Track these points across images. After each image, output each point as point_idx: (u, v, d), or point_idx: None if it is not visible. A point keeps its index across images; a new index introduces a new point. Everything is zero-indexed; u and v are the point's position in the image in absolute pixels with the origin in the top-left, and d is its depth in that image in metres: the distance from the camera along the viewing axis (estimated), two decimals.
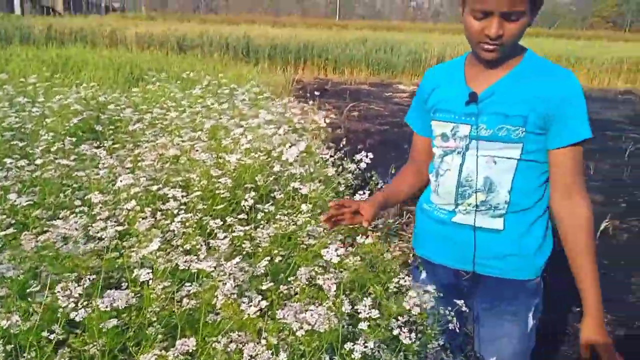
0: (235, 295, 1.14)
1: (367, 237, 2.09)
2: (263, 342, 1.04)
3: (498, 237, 1.50)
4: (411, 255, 1.82)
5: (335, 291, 1.13)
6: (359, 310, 1.08)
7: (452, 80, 1.54)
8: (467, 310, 1.47)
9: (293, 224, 1.91)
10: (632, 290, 3.65)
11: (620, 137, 8.91)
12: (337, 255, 1.18)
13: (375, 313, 1.07)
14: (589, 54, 17.41)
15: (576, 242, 1.43)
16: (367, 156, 1.97)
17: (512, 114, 1.41)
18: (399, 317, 1.31)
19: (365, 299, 1.11)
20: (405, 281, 1.36)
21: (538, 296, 1.58)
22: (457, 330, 1.52)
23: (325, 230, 2.18)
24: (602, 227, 4.63)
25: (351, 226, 1.68)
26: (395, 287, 1.56)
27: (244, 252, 1.65)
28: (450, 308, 1.43)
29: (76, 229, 1.63)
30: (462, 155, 1.49)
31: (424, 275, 1.68)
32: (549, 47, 18.16)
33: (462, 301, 1.42)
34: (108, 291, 1.13)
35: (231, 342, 1.06)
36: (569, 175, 1.44)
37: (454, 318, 1.43)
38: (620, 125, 10.17)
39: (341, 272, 1.49)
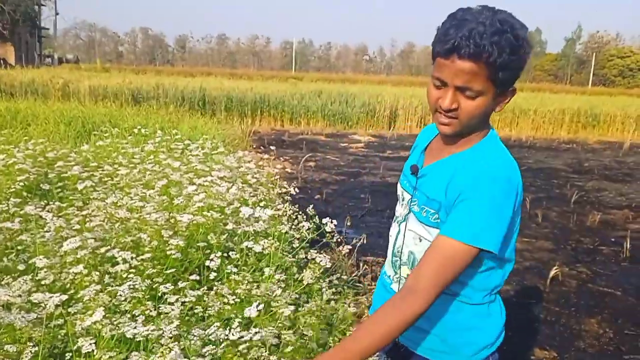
0: None
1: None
2: None
3: None
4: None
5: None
6: None
7: (421, 144, 1.52)
8: None
9: (249, 283, 1.90)
10: (583, 337, 3.73)
11: (565, 184, 9.29)
12: (257, 310, 1.17)
13: None
14: (533, 105, 18.28)
15: (381, 312, 1.26)
16: (332, 221, 1.96)
17: (432, 197, 1.36)
18: None
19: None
20: None
21: None
22: None
23: (279, 288, 2.17)
24: (551, 274, 4.76)
25: None
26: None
27: (196, 316, 1.62)
28: None
29: (19, 296, 1.58)
30: (399, 225, 1.49)
31: None
32: None
33: None
34: None
35: None
36: (426, 261, 1.28)
37: None
38: (565, 173, 10.62)
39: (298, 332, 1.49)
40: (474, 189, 1.26)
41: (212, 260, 1.87)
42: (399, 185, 1.55)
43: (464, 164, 1.34)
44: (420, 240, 1.40)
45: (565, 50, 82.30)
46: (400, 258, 1.45)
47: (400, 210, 1.50)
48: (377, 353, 1.34)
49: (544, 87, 33.17)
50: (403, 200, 1.49)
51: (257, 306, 1.21)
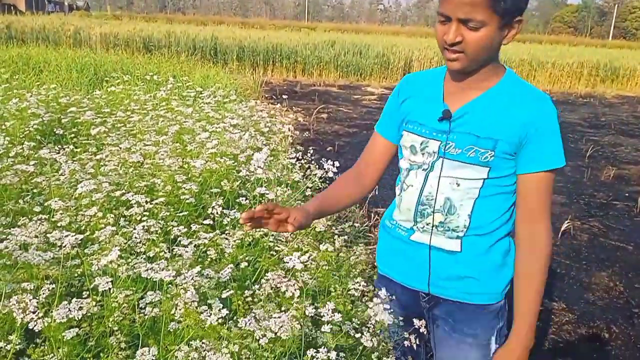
0: (196, 304, 1.13)
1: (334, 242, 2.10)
2: (225, 350, 1.03)
3: (454, 259, 1.45)
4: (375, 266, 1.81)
5: (298, 297, 1.13)
6: (322, 314, 1.08)
7: (429, 92, 1.48)
8: (425, 332, 1.45)
9: (259, 230, 1.91)
10: (592, 290, 3.76)
11: (580, 139, 9.17)
12: (300, 262, 1.18)
13: (338, 317, 1.08)
14: (551, 58, 17.86)
15: (527, 269, 1.41)
16: (333, 164, 1.95)
17: (483, 135, 1.36)
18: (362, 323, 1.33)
19: (328, 303, 1.11)
20: (366, 285, 1.37)
21: (501, 320, 1.52)
22: (415, 348, 1.49)
23: (292, 235, 2.18)
24: (563, 228, 4.75)
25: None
26: (356, 289, 1.57)
27: (209, 259, 1.64)
28: (407, 327, 1.42)
29: (36, 236, 1.60)
30: (426, 172, 1.45)
31: (383, 291, 1.63)
32: (512, 51, 18.54)
33: (422, 321, 1.42)
34: (64, 302, 1.10)
35: (192, 351, 1.05)
36: (535, 202, 1.40)
37: (411, 336, 1.42)
38: (581, 127, 10.47)
39: (304, 276, 1.50)
40: (546, 118, 1.35)
41: (214, 207, 1.87)
42: (406, 135, 1.50)
43: (515, 96, 1.37)
44: (458, 185, 1.40)
45: (586, 1, 79.68)
46: (431, 206, 1.43)
47: (420, 158, 1.46)
48: (390, 309, 1.37)
49: (563, 39, 32.31)
50: (424, 148, 1.45)
51: (299, 257, 1.21)
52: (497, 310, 1.49)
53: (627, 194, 6.10)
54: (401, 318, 1.49)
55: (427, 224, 1.45)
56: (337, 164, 1.94)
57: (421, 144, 1.46)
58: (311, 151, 3.31)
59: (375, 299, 1.57)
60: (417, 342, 1.46)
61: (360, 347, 1.26)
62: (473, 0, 1.23)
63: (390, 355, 1.49)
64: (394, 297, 1.50)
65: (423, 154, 1.45)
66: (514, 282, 1.43)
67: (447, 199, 1.41)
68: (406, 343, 1.42)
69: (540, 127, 1.35)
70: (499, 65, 1.41)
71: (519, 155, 1.38)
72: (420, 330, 1.39)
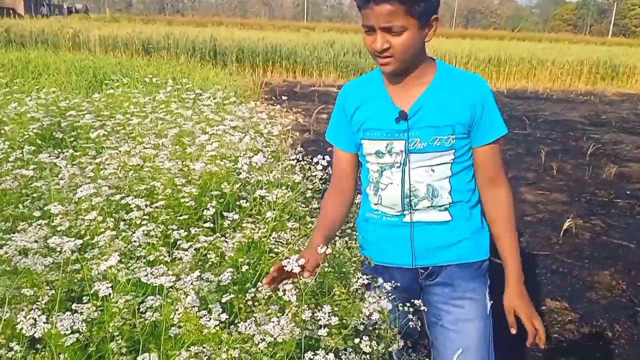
0: (196, 308, 1.13)
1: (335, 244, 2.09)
2: (224, 355, 1.03)
3: (448, 227, 1.62)
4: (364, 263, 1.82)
5: (296, 301, 1.12)
6: (319, 318, 1.08)
7: (375, 97, 1.61)
8: (425, 309, 1.57)
9: (258, 232, 1.90)
10: (595, 288, 3.75)
11: (581, 137, 9.16)
12: (298, 266, 1.18)
13: (334, 320, 1.07)
14: (551, 56, 17.84)
15: (498, 219, 1.62)
16: (323, 159, 1.98)
17: (442, 124, 1.52)
18: (360, 322, 1.32)
19: (325, 306, 1.11)
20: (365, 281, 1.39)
21: (488, 278, 1.72)
22: (418, 328, 1.60)
23: (292, 236, 2.18)
24: (565, 226, 4.74)
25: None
26: (357, 287, 1.57)
27: (210, 263, 1.63)
28: (411, 308, 1.49)
29: (35, 242, 1.59)
30: (401, 168, 1.58)
31: (380, 280, 1.69)
32: (512, 49, 18.53)
33: (419, 301, 1.52)
34: (67, 313, 1.09)
35: (191, 357, 1.04)
36: (491, 168, 1.61)
37: (414, 317, 1.51)
38: (581, 125, 10.45)
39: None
40: (486, 95, 1.55)
41: (207, 209, 1.87)
42: (367, 143, 1.62)
43: (454, 83, 1.55)
44: (434, 171, 1.57)
45: None
46: (417, 196, 1.59)
47: (390, 158, 1.59)
48: (391, 296, 1.45)
49: (563, 37, 32.29)
50: (390, 150, 1.58)
51: (297, 260, 1.22)
52: (485, 269, 1.70)
53: (628, 192, 6.09)
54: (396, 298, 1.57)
55: (416, 210, 1.61)
56: (327, 158, 1.96)
57: (386, 146, 1.59)
58: (311, 152, 3.30)
59: (368, 292, 1.60)
60: (419, 323, 1.56)
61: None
62: (390, 10, 1.36)
63: (398, 341, 1.51)
64: (398, 284, 1.58)
65: (391, 154, 1.59)
66: (495, 239, 1.66)
67: (429, 185, 1.58)
68: (411, 324, 1.50)
69: (484, 104, 1.54)
70: (429, 59, 1.57)
71: (472, 132, 1.56)
72: (421, 309, 1.51)
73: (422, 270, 1.67)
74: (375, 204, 1.68)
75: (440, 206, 1.60)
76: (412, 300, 1.50)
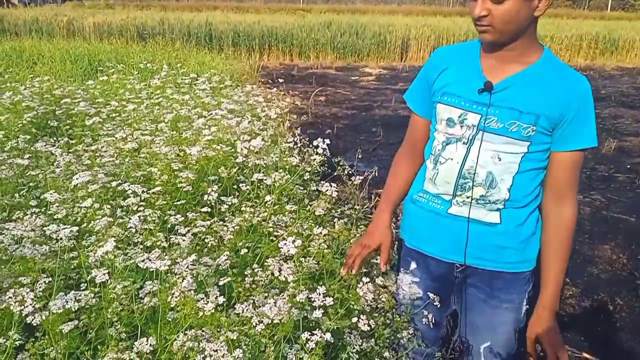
0: (192, 292, 1.12)
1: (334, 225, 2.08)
2: (222, 338, 1.03)
3: (493, 230, 1.50)
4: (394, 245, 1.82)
5: (294, 281, 1.12)
6: (313, 299, 1.07)
7: (466, 64, 1.48)
8: (453, 302, 1.56)
9: (258, 215, 1.89)
10: (596, 263, 3.75)
11: None
12: (295, 247, 1.17)
13: (329, 301, 1.07)
14: (549, 31, 17.67)
15: (555, 240, 1.48)
16: (324, 142, 1.91)
17: (526, 110, 1.38)
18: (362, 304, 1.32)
19: (319, 287, 1.10)
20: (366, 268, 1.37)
21: (531, 283, 1.59)
22: (436, 322, 1.59)
23: (291, 219, 2.17)
24: None
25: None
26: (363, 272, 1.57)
27: (208, 246, 1.63)
28: (437, 300, 1.51)
29: (32, 230, 1.58)
30: (467, 146, 1.46)
31: (413, 265, 1.66)
32: None
33: (437, 297, 1.52)
34: (60, 293, 1.09)
35: (189, 340, 1.04)
36: (565, 179, 1.46)
37: (434, 310, 1.52)
38: None
39: (304, 261, 1.49)
40: (586, 98, 1.39)
41: (209, 194, 1.86)
42: (441, 107, 1.50)
43: (555, 75, 1.40)
44: (500, 159, 1.43)
45: None
46: (472, 180, 1.46)
47: (459, 131, 1.46)
48: (415, 278, 1.51)
49: (561, 13, 31.91)
50: (462, 121, 1.45)
51: (293, 242, 1.21)
52: (528, 276, 1.57)
53: (628, 166, 6.07)
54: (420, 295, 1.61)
55: (467, 197, 1.48)
56: (327, 142, 1.92)
57: (459, 116, 1.46)
58: (309, 135, 3.28)
59: (401, 273, 1.61)
60: (438, 316, 1.57)
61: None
62: None
63: (410, 327, 1.53)
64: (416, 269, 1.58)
65: (462, 126, 1.46)
66: (542, 252, 1.51)
67: (489, 172, 1.44)
68: (430, 316, 1.52)
69: (579, 108, 1.38)
70: (537, 42, 1.42)
71: (555, 133, 1.41)
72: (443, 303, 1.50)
73: (458, 265, 1.58)
74: (430, 179, 1.56)
75: (493, 202, 1.47)
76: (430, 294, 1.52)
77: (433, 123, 1.56)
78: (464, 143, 1.46)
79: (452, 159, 1.48)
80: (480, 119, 1.42)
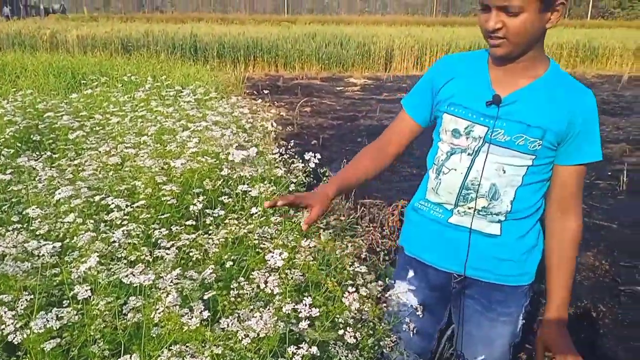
0: (177, 307, 1.12)
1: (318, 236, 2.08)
2: (207, 353, 1.02)
3: (493, 242, 1.50)
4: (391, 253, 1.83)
5: (279, 293, 1.12)
6: (299, 310, 1.07)
7: (474, 76, 1.48)
8: (446, 313, 1.57)
9: (243, 228, 1.89)
10: (579, 270, 3.79)
11: None
12: (282, 260, 1.17)
13: (315, 312, 1.07)
14: None
15: (560, 255, 1.48)
16: (315, 156, 1.91)
17: (534, 124, 1.38)
18: (348, 315, 1.32)
19: (305, 299, 1.10)
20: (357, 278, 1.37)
21: (528, 297, 1.60)
22: (426, 334, 1.60)
23: (277, 232, 2.17)
24: None
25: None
26: (349, 283, 1.57)
27: (192, 260, 1.62)
28: (420, 310, 1.51)
29: (14, 247, 1.57)
30: (472, 157, 1.45)
31: (411, 274, 1.66)
32: None
33: (421, 307, 1.52)
34: (42, 312, 1.08)
35: (173, 355, 1.03)
36: (570, 192, 1.46)
37: (426, 322, 1.53)
38: None
39: (290, 273, 1.49)
40: (591, 112, 1.39)
41: (195, 204, 1.86)
42: (448, 118, 1.49)
43: (562, 88, 1.40)
44: (504, 172, 1.43)
45: None
46: (476, 191, 1.45)
47: (464, 142, 1.46)
48: (412, 287, 1.51)
49: None
50: (468, 132, 1.45)
51: (280, 254, 1.21)
52: (527, 289, 1.58)
53: (609, 173, 6.16)
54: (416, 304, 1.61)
55: (469, 208, 1.48)
56: (319, 156, 1.92)
57: (466, 128, 1.46)
58: (295, 145, 3.28)
59: (397, 281, 1.61)
60: (429, 328, 1.59)
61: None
62: None
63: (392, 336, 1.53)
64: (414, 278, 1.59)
65: (467, 138, 1.46)
66: (548, 268, 1.51)
67: (493, 184, 1.44)
68: (411, 326, 1.52)
69: (585, 121, 1.39)
70: (543, 54, 1.42)
71: (561, 147, 1.41)
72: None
73: (456, 275, 1.58)
74: (432, 189, 1.56)
75: (495, 213, 1.47)
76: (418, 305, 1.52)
77: (436, 133, 1.57)
78: (468, 154, 1.46)
79: (455, 170, 1.49)
80: (487, 131, 1.42)
